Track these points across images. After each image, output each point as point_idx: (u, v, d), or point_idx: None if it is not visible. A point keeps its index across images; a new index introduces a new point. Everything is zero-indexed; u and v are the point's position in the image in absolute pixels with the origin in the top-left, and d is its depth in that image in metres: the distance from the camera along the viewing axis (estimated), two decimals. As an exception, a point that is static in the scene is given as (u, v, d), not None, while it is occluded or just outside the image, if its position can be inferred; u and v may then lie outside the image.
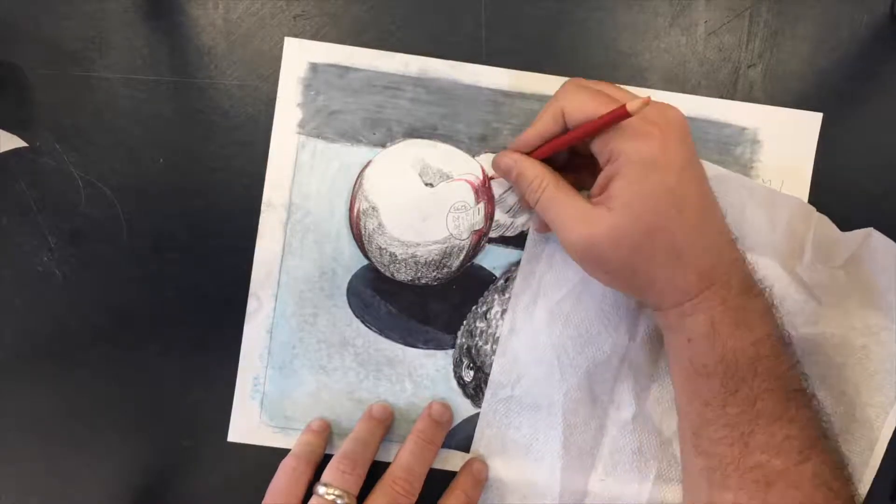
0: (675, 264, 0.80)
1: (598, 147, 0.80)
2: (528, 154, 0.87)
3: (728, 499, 0.81)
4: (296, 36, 0.93)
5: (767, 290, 0.84)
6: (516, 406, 0.94)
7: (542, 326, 0.93)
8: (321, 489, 0.87)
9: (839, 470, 0.83)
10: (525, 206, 0.92)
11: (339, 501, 0.86)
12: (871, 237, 0.91)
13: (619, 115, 0.76)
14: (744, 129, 0.94)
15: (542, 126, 0.84)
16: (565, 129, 0.83)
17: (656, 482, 0.94)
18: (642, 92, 0.93)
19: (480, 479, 0.94)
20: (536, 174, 0.85)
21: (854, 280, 0.92)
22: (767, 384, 0.80)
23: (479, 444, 0.95)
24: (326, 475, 0.88)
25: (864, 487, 0.93)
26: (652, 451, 0.94)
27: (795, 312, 0.91)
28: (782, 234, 0.92)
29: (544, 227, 0.92)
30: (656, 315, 0.86)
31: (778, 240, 0.92)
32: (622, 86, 0.87)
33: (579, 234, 0.81)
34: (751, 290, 0.82)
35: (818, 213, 0.92)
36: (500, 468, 0.95)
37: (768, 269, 0.91)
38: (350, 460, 0.89)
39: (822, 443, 0.82)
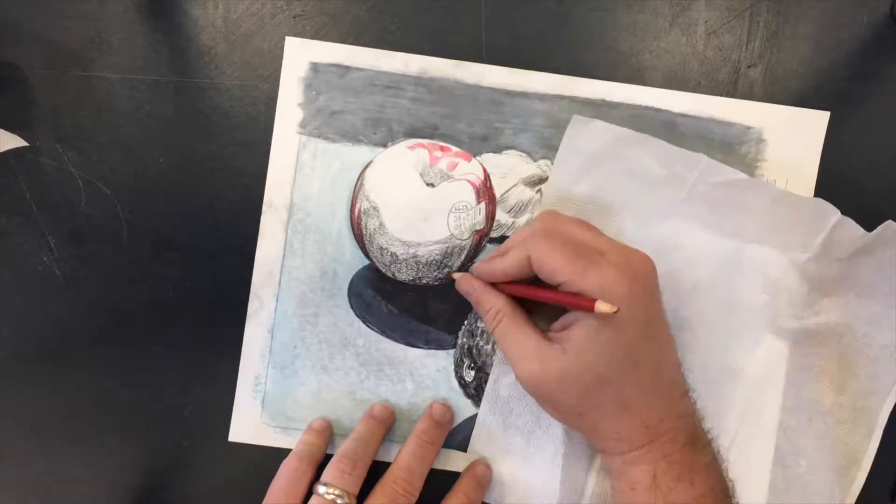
0: (621, 415, 0.81)
1: (565, 286, 0.79)
2: (493, 284, 0.88)
3: None
4: (296, 36, 0.93)
5: (712, 438, 0.86)
6: (518, 392, 0.94)
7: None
8: (321, 489, 0.87)
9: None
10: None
11: (338, 501, 0.86)
12: (889, 227, 0.90)
13: (584, 307, 0.77)
14: (749, 127, 0.94)
15: (509, 265, 0.84)
16: (531, 272, 0.82)
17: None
18: (642, 91, 0.93)
19: (483, 482, 0.94)
20: (493, 305, 0.86)
21: (858, 270, 0.92)
22: None
23: (480, 434, 0.95)
24: (326, 475, 0.88)
25: (863, 474, 0.93)
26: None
27: (799, 303, 0.92)
28: (794, 228, 0.92)
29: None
30: (602, 457, 0.89)
31: (788, 233, 0.92)
32: (621, 83, 0.88)
33: (530, 370, 0.81)
34: (696, 442, 0.83)
35: (842, 216, 0.91)
36: (501, 458, 0.95)
37: (774, 260, 0.91)
38: (350, 460, 0.89)
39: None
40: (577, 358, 0.78)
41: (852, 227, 0.91)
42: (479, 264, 0.88)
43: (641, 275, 0.80)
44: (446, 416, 0.94)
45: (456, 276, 0.91)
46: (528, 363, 0.81)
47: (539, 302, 0.84)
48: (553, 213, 0.86)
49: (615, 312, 0.74)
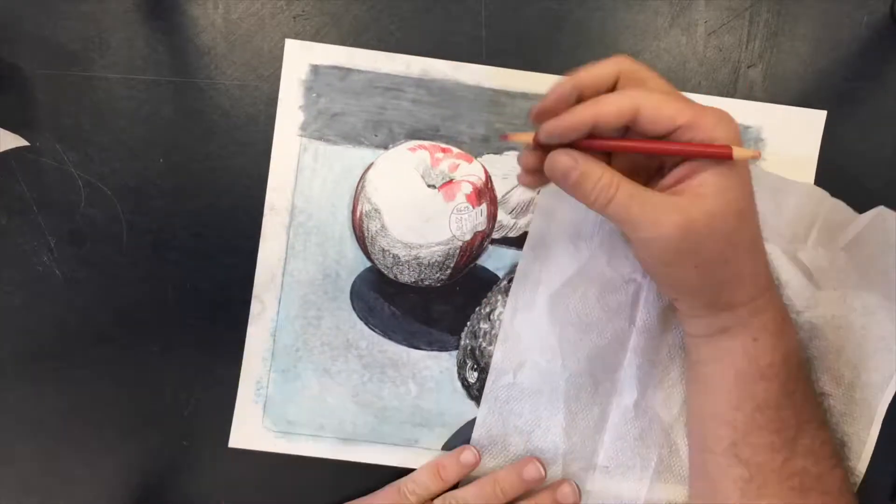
0: (756, 254, 0.80)
1: (680, 133, 0.74)
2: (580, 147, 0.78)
3: None
4: (296, 36, 0.93)
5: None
6: (518, 392, 0.94)
7: (543, 313, 0.93)
8: None
9: (852, 478, 0.84)
10: (591, 206, 0.78)
11: None
12: (882, 215, 0.91)
13: (723, 156, 0.74)
14: (747, 127, 0.95)
15: (605, 116, 0.74)
16: (623, 127, 0.75)
17: (657, 470, 0.95)
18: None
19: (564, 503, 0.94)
20: (601, 174, 0.76)
21: (854, 260, 0.92)
22: (812, 388, 0.83)
23: (481, 430, 0.96)
24: None
25: (862, 465, 0.93)
26: (653, 438, 0.94)
27: (796, 297, 0.92)
28: (788, 218, 0.93)
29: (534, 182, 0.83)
30: (721, 317, 0.82)
31: (783, 225, 0.92)
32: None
33: (673, 224, 0.74)
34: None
35: (832, 199, 0.92)
36: (501, 459, 0.95)
37: (770, 254, 0.92)
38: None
39: (841, 450, 0.83)
40: (718, 198, 0.74)
41: (843, 210, 0.93)
42: (553, 122, 0.77)
43: (733, 118, 0.76)
44: (570, 499, 0.94)
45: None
46: (669, 217, 0.74)
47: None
48: (624, 57, 0.79)
49: (758, 155, 0.74)
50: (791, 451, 0.81)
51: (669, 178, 0.77)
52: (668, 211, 0.74)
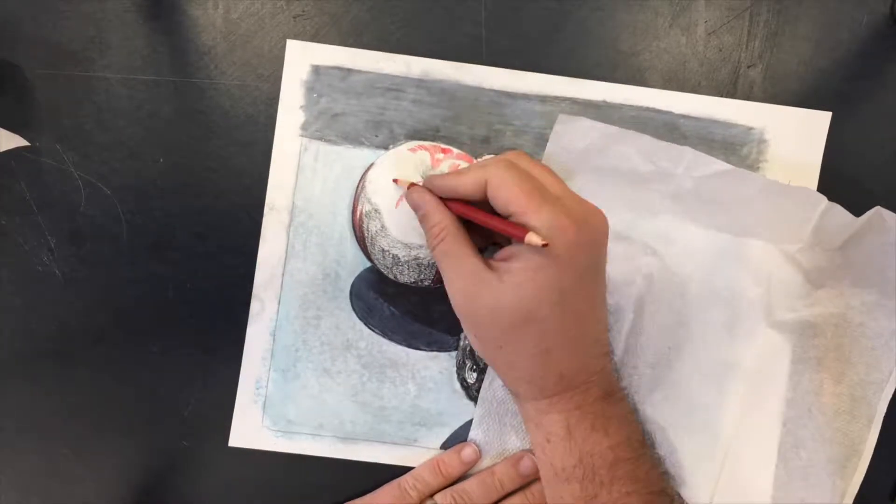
0: (539, 358, 0.81)
1: (515, 217, 0.77)
2: (443, 199, 0.85)
3: None
4: (296, 36, 0.93)
5: (626, 392, 0.88)
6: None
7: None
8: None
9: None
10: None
11: None
12: (879, 215, 0.90)
13: (516, 235, 0.76)
14: (750, 128, 0.95)
15: (463, 186, 0.81)
16: (485, 196, 0.80)
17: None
18: (643, 93, 0.93)
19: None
20: (439, 221, 0.82)
21: (850, 259, 0.92)
22: (627, 487, 0.82)
23: (478, 429, 0.96)
24: (442, 497, 0.93)
25: (863, 464, 0.93)
26: (651, 439, 0.94)
27: (794, 295, 0.92)
28: (785, 219, 0.92)
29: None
30: (517, 404, 0.89)
31: (779, 225, 0.93)
32: (622, 85, 0.89)
33: (465, 292, 0.80)
34: (611, 395, 0.84)
35: (829, 202, 0.92)
36: (497, 458, 0.95)
37: (767, 253, 0.92)
38: (468, 496, 0.93)
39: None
40: (511, 289, 0.77)
41: (841, 214, 0.92)
42: (433, 176, 0.85)
43: (592, 227, 0.79)
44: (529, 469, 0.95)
45: (407, 184, 0.88)
46: (463, 284, 0.80)
47: (482, 233, 0.85)
48: (521, 152, 0.84)
49: (544, 245, 0.73)
50: None
51: (501, 252, 0.81)
52: (466, 278, 0.80)
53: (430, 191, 0.84)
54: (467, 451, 0.94)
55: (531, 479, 0.94)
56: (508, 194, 0.77)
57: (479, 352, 0.85)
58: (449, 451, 0.95)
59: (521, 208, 0.76)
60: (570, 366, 0.81)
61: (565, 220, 0.76)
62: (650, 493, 0.83)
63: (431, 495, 0.93)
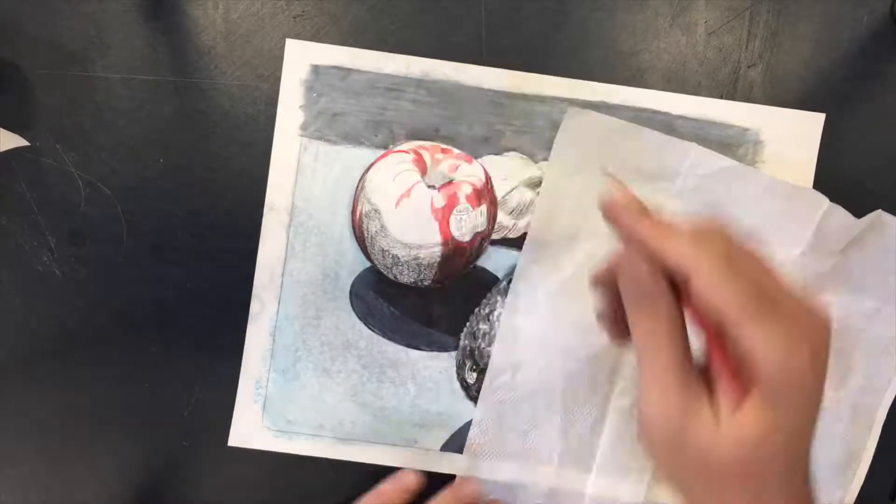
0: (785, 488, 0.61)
1: (726, 327, 0.59)
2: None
3: None
4: (296, 36, 0.93)
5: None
6: (515, 393, 0.95)
7: (541, 314, 0.94)
8: None
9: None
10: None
11: None
12: (881, 219, 0.91)
13: (737, 392, 0.60)
14: (746, 129, 0.95)
15: (665, 259, 0.62)
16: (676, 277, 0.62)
17: (655, 475, 0.95)
18: (641, 94, 0.94)
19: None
20: (664, 295, 0.63)
21: (852, 264, 0.92)
22: None
23: (477, 430, 0.96)
24: None
25: (863, 469, 0.94)
26: None
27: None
28: (787, 222, 0.93)
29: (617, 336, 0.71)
30: None
31: (783, 228, 0.93)
32: (621, 86, 0.89)
33: (668, 418, 0.61)
34: None
35: (831, 203, 0.92)
36: (497, 459, 0.96)
37: (769, 257, 0.92)
38: None
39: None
40: (731, 438, 0.59)
41: (842, 215, 0.92)
42: (643, 219, 0.64)
43: (822, 343, 0.64)
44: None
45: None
46: (670, 408, 0.61)
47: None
48: (725, 227, 0.66)
49: (738, 402, 0.59)
50: None
51: (729, 382, 0.61)
52: (674, 402, 0.61)
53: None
54: (407, 478, 0.90)
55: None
56: (725, 298, 0.59)
57: (671, 485, 0.65)
58: (389, 480, 0.90)
59: (738, 318, 0.59)
60: (801, 496, 0.62)
61: (797, 339, 0.60)
62: None
63: None
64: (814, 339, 0.61)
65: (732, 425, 0.59)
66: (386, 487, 0.91)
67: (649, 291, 0.63)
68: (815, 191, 0.93)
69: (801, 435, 0.61)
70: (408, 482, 0.91)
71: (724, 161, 0.92)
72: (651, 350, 0.62)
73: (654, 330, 0.62)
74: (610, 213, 0.65)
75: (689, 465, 0.61)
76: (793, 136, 0.95)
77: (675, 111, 0.95)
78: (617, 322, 0.69)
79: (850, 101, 0.95)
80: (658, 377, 0.61)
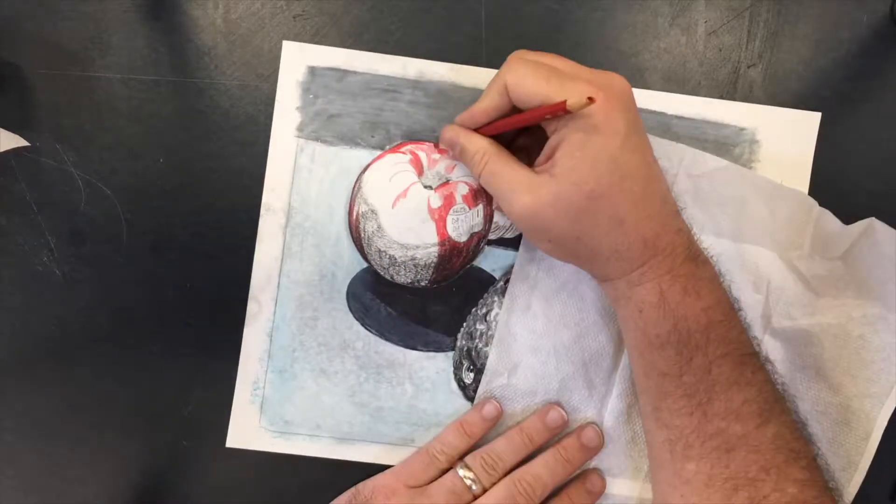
0: (617, 232, 0.80)
1: (545, 102, 0.79)
2: (475, 130, 0.87)
3: (691, 469, 0.83)
4: (295, 36, 0.93)
5: (713, 257, 0.86)
6: (512, 393, 0.95)
7: (538, 315, 0.94)
8: (461, 471, 0.91)
9: (798, 430, 0.83)
10: (473, 176, 0.89)
11: (473, 486, 0.90)
12: (873, 226, 0.90)
13: (558, 109, 0.76)
14: (742, 129, 0.95)
15: (488, 102, 0.84)
16: (511, 104, 0.82)
17: (649, 475, 0.94)
18: (638, 94, 0.93)
19: (594, 491, 0.95)
20: (478, 148, 0.85)
21: (852, 271, 0.92)
22: (721, 350, 0.82)
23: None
24: (471, 461, 0.92)
25: (859, 476, 0.93)
26: (641, 446, 0.94)
27: (793, 303, 0.92)
28: (782, 225, 0.93)
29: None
30: (605, 287, 0.87)
31: (777, 231, 0.93)
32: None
33: (522, 203, 0.81)
34: (697, 257, 0.83)
35: (820, 207, 0.92)
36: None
37: (766, 259, 0.92)
38: (497, 458, 0.92)
39: (779, 405, 0.83)
40: (566, 178, 0.78)
41: (831, 221, 0.93)
42: (461, 115, 0.88)
43: (618, 90, 0.80)
44: (595, 442, 0.94)
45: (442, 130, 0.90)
46: (520, 195, 0.81)
47: (524, 152, 0.87)
48: (523, 50, 0.85)
49: (588, 101, 0.74)
50: (703, 413, 0.81)
51: (542, 156, 0.83)
52: (519, 189, 0.81)
53: (462, 124, 0.88)
54: (488, 408, 0.94)
55: (559, 432, 0.94)
56: (530, 87, 0.79)
57: (558, 256, 0.87)
58: (471, 410, 0.95)
59: (546, 93, 0.78)
60: (649, 229, 0.81)
61: (590, 89, 0.76)
62: (743, 355, 0.83)
63: (461, 457, 0.93)
64: (609, 89, 0.79)
65: (559, 166, 0.79)
66: (467, 418, 0.94)
67: (476, 149, 0.85)
68: (804, 193, 0.93)
69: (624, 150, 0.79)
70: (487, 411, 0.94)
71: (717, 161, 0.92)
72: (496, 176, 0.84)
73: (491, 167, 0.84)
74: (449, 133, 0.89)
75: (554, 217, 0.80)
76: (789, 136, 0.95)
77: (672, 111, 0.95)
78: None
79: (849, 101, 0.95)
80: (508, 185, 0.82)
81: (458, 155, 0.88)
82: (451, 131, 0.88)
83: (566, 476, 0.93)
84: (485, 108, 0.84)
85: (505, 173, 0.83)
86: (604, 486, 0.95)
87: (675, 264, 0.81)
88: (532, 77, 0.79)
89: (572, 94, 0.76)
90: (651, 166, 0.82)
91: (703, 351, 0.81)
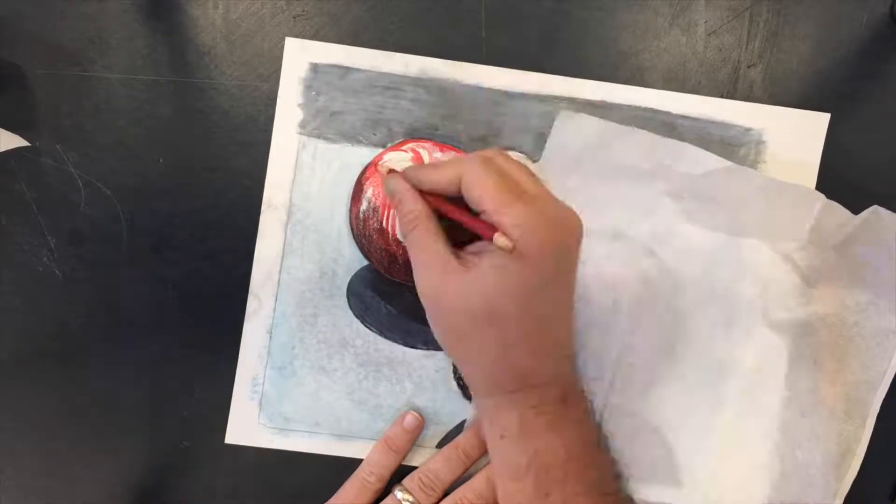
0: (499, 356, 0.80)
1: (487, 214, 0.78)
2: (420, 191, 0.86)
3: None
4: (296, 36, 0.93)
5: (589, 399, 0.89)
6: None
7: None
8: (399, 494, 0.91)
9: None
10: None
11: None
12: (877, 213, 0.90)
13: (486, 236, 0.77)
14: (748, 129, 0.94)
15: (439, 180, 0.82)
16: (460, 192, 0.81)
17: (650, 470, 0.94)
18: (642, 93, 0.94)
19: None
20: (412, 209, 0.83)
21: (845, 259, 0.92)
22: (579, 487, 0.82)
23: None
24: (409, 483, 0.92)
25: (857, 463, 0.93)
26: (645, 439, 0.94)
27: (789, 294, 0.92)
28: (781, 219, 0.93)
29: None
30: (477, 399, 0.90)
31: (775, 224, 0.93)
32: (621, 85, 0.90)
33: (430, 281, 0.81)
34: (568, 398, 0.84)
35: (827, 200, 0.92)
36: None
37: (762, 252, 0.92)
38: (434, 478, 0.92)
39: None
40: (476, 283, 0.77)
41: (839, 212, 0.92)
42: (410, 169, 0.86)
43: (564, 230, 0.79)
44: (414, 425, 0.95)
45: (386, 170, 0.90)
46: (431, 273, 0.80)
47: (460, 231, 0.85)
48: (499, 150, 0.84)
49: (511, 250, 0.74)
50: None
51: (472, 247, 0.83)
52: (435, 267, 0.81)
53: (408, 180, 0.85)
54: (409, 420, 0.94)
55: None
56: (482, 191, 0.78)
57: (440, 342, 0.85)
58: (393, 424, 0.95)
59: (493, 205, 0.77)
60: (528, 365, 0.81)
61: (536, 220, 0.76)
62: (602, 495, 0.83)
63: (392, 475, 0.93)
64: (556, 226, 0.78)
65: (477, 269, 0.78)
66: (390, 434, 0.94)
67: (410, 211, 0.83)
68: (809, 188, 0.93)
69: (540, 289, 0.78)
70: (408, 423, 0.94)
71: (719, 161, 0.92)
72: (417, 246, 0.82)
73: (416, 235, 0.82)
74: (394, 183, 0.86)
75: (450, 311, 0.80)
76: (795, 137, 0.95)
77: (677, 111, 0.95)
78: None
79: (849, 101, 0.95)
80: (423, 259, 0.81)
81: (394, 204, 0.87)
82: (395, 181, 0.86)
83: (464, 471, 0.93)
84: (436, 180, 0.83)
85: (427, 244, 0.81)
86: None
87: (544, 401, 0.82)
88: (489, 183, 0.78)
89: (513, 221, 0.76)
90: (560, 311, 0.83)
91: (561, 486, 0.81)
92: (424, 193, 0.84)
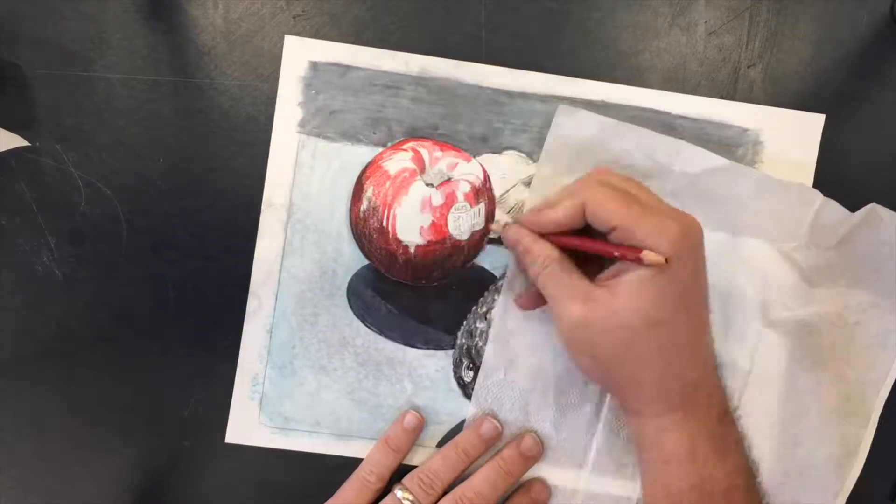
0: (663, 367, 0.80)
1: (619, 231, 0.78)
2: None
3: None
4: (296, 35, 0.93)
5: (738, 418, 0.88)
6: (508, 389, 0.94)
7: (535, 311, 0.93)
8: (399, 493, 0.90)
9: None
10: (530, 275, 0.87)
11: None
12: (875, 212, 0.90)
13: (633, 259, 0.77)
14: (746, 130, 0.95)
15: (562, 215, 0.82)
16: (583, 221, 0.81)
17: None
18: (641, 93, 0.94)
19: (539, 500, 0.95)
20: (542, 251, 0.83)
21: (845, 259, 0.92)
22: None
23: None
24: (409, 482, 0.92)
25: (859, 462, 0.93)
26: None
27: (790, 294, 0.93)
28: (780, 217, 0.93)
29: (530, 304, 0.92)
30: (633, 423, 0.87)
31: (775, 223, 0.93)
32: (621, 85, 0.89)
33: (576, 310, 0.80)
34: (726, 416, 0.84)
35: (824, 198, 0.92)
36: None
37: (763, 251, 0.92)
38: (434, 477, 0.91)
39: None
40: (628, 297, 0.78)
41: (836, 210, 0.92)
42: (527, 214, 0.86)
43: (691, 230, 0.79)
44: (534, 451, 0.93)
45: (502, 226, 0.89)
46: (575, 302, 0.80)
47: (587, 260, 0.84)
48: (608, 169, 0.85)
49: (665, 262, 0.75)
50: None
51: (606, 273, 0.82)
52: (576, 297, 0.81)
53: (528, 226, 0.86)
54: (409, 419, 0.94)
55: (493, 444, 0.94)
56: (609, 212, 0.79)
57: (595, 377, 0.87)
58: (393, 423, 0.95)
59: (622, 220, 0.78)
60: (692, 376, 0.81)
61: (667, 226, 0.77)
62: None
63: (392, 475, 0.93)
64: (686, 228, 0.78)
65: (623, 287, 0.78)
66: (389, 433, 0.94)
67: (538, 255, 0.84)
68: (807, 186, 0.93)
69: (690, 289, 0.80)
70: (408, 423, 0.94)
71: (717, 160, 0.92)
72: (554, 282, 0.83)
73: (549, 274, 0.83)
74: (513, 233, 0.88)
75: (604, 335, 0.80)
76: (792, 137, 0.95)
77: (676, 111, 0.95)
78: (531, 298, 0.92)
79: (849, 101, 0.95)
80: (564, 293, 0.81)
81: (520, 254, 0.87)
82: (515, 232, 0.87)
83: (508, 488, 0.93)
84: (557, 219, 0.83)
85: (563, 278, 0.82)
86: (549, 496, 0.95)
87: (710, 421, 0.82)
88: (613, 203, 0.78)
89: (649, 231, 0.76)
90: (706, 313, 0.83)
91: None
92: (548, 236, 0.85)
